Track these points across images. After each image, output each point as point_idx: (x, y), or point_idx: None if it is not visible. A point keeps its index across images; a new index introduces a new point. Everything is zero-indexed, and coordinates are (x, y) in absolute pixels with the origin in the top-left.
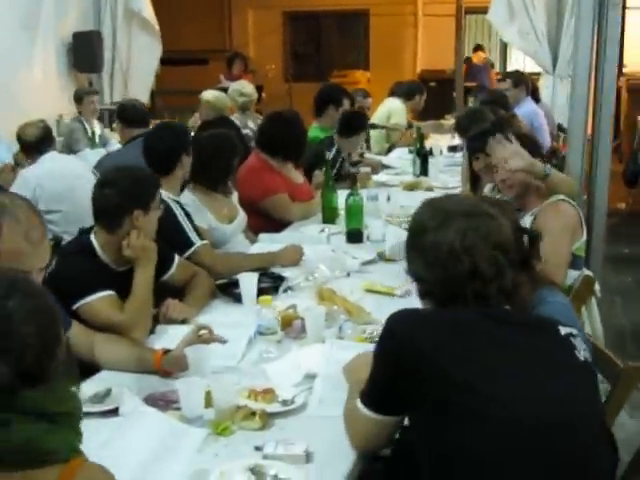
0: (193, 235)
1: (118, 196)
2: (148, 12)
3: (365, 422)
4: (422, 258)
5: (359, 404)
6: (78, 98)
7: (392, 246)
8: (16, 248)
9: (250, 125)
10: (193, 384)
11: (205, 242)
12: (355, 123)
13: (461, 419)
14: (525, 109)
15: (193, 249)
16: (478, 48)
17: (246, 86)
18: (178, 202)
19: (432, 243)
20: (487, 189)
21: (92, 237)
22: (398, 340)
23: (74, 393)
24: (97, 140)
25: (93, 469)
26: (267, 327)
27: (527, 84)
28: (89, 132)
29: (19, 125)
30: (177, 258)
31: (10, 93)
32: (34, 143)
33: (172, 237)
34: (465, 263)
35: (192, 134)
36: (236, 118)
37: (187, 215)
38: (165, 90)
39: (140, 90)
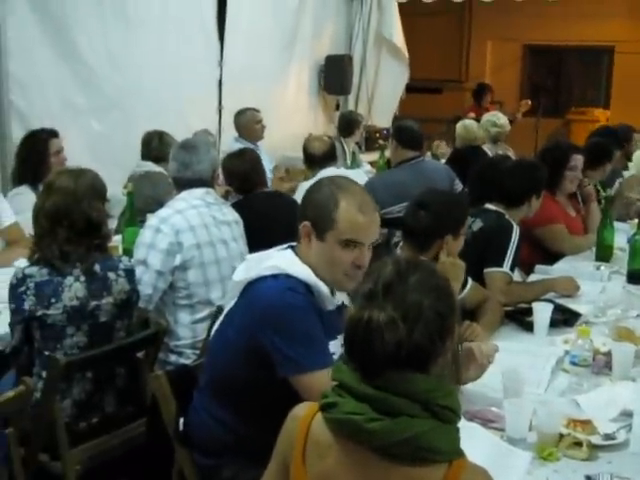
0: (508, 261)
1: (432, 220)
2: (399, 39)
3: None
4: None
5: None
6: (350, 122)
7: None
8: (352, 218)
9: None
10: (521, 406)
11: (509, 273)
12: (601, 153)
13: None
14: None
15: (496, 270)
16: None
17: (500, 117)
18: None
19: None
20: None
21: (398, 251)
22: None
23: (456, 391)
24: (352, 161)
25: (478, 472)
26: (583, 358)
27: None
28: (347, 152)
29: (304, 139)
30: (470, 281)
31: (267, 108)
32: (319, 157)
33: (491, 248)
34: None
35: (443, 161)
36: (487, 148)
37: (518, 247)
38: (401, 116)
39: (383, 114)
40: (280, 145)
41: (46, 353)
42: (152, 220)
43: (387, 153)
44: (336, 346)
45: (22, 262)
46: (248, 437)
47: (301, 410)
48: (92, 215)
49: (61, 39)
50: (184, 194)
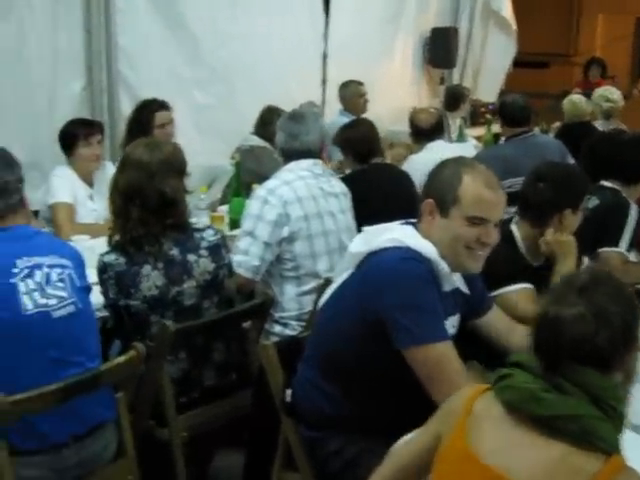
0: (624, 241)
1: (552, 192)
2: (507, 11)
3: None
4: None
5: None
6: (456, 95)
7: None
8: (477, 193)
9: None
10: None
11: (624, 253)
12: None
13: None
14: None
15: (611, 250)
16: None
17: (613, 92)
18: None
19: None
20: None
21: (513, 227)
22: None
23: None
24: (458, 135)
25: (633, 476)
26: None
27: None
28: (451, 126)
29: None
30: (587, 260)
31: (371, 81)
32: (426, 130)
33: (607, 227)
34: None
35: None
36: (599, 124)
37: (635, 226)
38: (507, 91)
39: (489, 89)
40: (384, 118)
41: (139, 338)
42: (260, 191)
43: (494, 127)
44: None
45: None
46: (355, 412)
47: (466, 390)
48: (166, 191)
49: (168, 11)
50: (292, 165)
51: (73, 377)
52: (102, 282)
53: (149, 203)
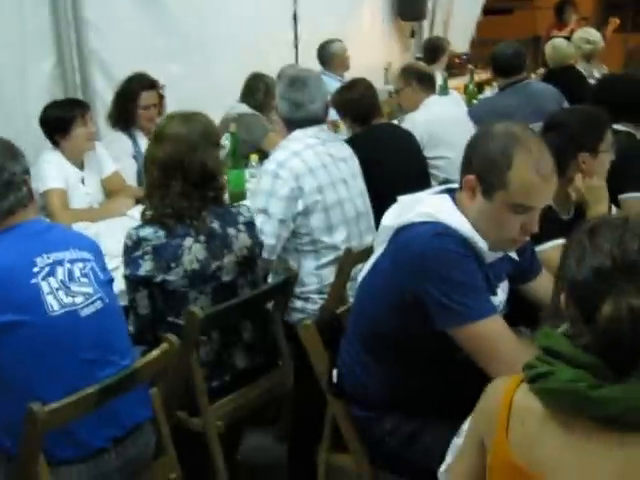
0: None
1: (560, 138)
2: None
3: None
4: None
5: None
6: (435, 47)
7: None
8: (527, 181)
9: (596, 75)
10: None
11: None
12: None
13: None
14: None
15: (636, 196)
16: None
17: (593, 33)
18: None
19: None
20: None
21: None
22: None
23: None
24: (443, 88)
25: None
26: None
27: None
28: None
29: None
30: (614, 209)
31: (343, 39)
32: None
33: (626, 172)
34: None
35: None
36: (580, 67)
37: None
38: (479, 40)
39: (460, 39)
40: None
41: (170, 319)
42: (269, 165)
43: (477, 77)
44: (498, 301)
45: (135, 212)
46: (406, 390)
47: (500, 385)
48: (208, 163)
49: None
50: (298, 133)
51: (109, 378)
52: (132, 261)
53: (191, 176)
